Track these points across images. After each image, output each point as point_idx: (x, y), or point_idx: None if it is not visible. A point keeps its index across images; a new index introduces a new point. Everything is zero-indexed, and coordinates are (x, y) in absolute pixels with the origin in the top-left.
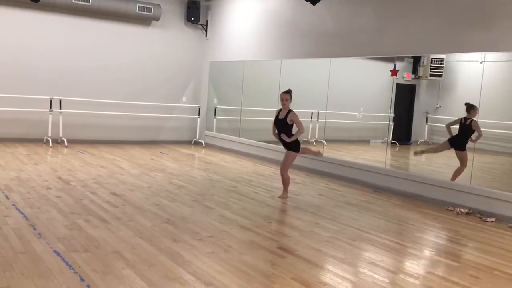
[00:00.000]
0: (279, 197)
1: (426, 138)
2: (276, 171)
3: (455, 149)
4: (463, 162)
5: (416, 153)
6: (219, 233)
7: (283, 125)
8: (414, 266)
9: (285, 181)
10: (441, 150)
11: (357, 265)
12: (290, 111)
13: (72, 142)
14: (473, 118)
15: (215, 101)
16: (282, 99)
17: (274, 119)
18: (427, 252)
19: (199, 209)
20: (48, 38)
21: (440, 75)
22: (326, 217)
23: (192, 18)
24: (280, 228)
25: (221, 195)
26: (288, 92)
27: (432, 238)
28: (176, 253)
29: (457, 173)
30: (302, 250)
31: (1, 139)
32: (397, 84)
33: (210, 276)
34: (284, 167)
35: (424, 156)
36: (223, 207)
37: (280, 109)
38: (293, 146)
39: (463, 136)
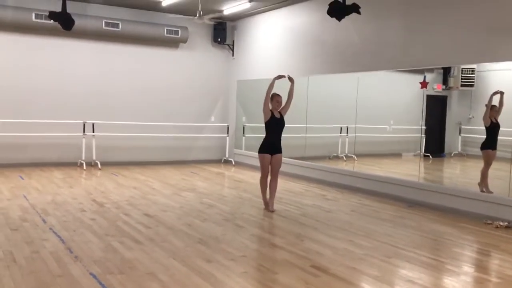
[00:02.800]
0: (270, 211)
1: (460, 150)
2: (306, 187)
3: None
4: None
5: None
6: (251, 252)
7: (283, 125)
8: (453, 283)
9: (275, 189)
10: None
11: (393, 283)
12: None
13: (105, 164)
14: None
15: (244, 119)
16: (278, 101)
17: (270, 122)
18: (466, 268)
19: (231, 228)
20: (80, 63)
21: (472, 85)
22: (359, 233)
23: (219, 39)
24: (313, 246)
25: (252, 214)
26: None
27: (470, 253)
28: (209, 274)
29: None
30: (336, 269)
31: (37, 164)
32: (428, 96)
33: None
34: (278, 172)
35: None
36: (254, 225)
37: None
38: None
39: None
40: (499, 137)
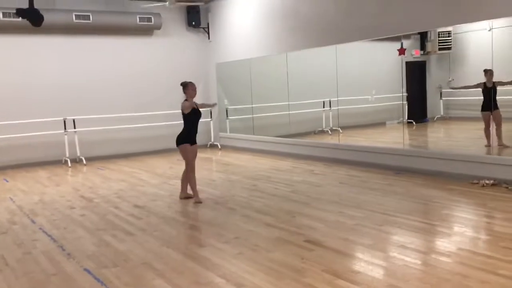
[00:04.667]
0: (196, 202)
1: (442, 113)
2: (294, 164)
3: (494, 110)
4: (500, 122)
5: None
6: (245, 233)
7: (199, 115)
8: (445, 244)
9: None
10: (489, 124)
11: (386, 249)
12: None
13: (90, 159)
14: (493, 80)
15: (226, 102)
16: (194, 89)
17: (190, 113)
18: (456, 229)
19: (222, 212)
20: (54, 60)
21: (449, 48)
22: (349, 205)
23: (193, 23)
24: (305, 221)
25: (242, 195)
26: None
27: (459, 214)
28: (204, 258)
29: (500, 133)
30: (329, 241)
31: (21, 165)
32: (407, 63)
33: (240, 277)
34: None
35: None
36: (246, 206)
37: (186, 100)
38: None
39: (493, 97)
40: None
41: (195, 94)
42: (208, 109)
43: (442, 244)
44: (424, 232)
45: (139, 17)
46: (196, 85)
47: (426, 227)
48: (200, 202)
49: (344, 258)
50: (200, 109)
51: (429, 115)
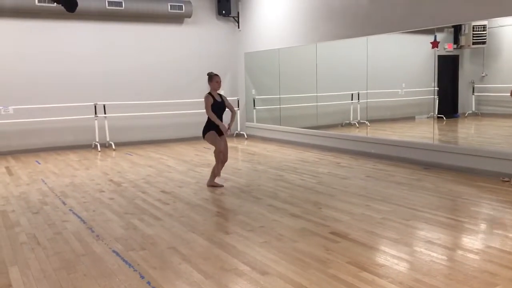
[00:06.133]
0: (218, 186)
1: (474, 109)
2: (320, 156)
3: None
4: None
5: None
6: (270, 223)
7: (223, 108)
8: (473, 242)
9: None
10: None
11: (412, 244)
12: (220, 94)
13: (119, 144)
14: None
15: (253, 91)
16: (218, 82)
17: (212, 104)
18: (485, 226)
19: (248, 200)
20: (86, 45)
21: (484, 42)
22: (376, 198)
23: (223, 11)
24: (331, 213)
25: (268, 185)
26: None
27: (489, 211)
28: (229, 245)
29: None
30: (355, 234)
31: (53, 148)
32: (439, 56)
33: (265, 265)
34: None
35: None
36: (271, 196)
37: (209, 93)
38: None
39: None
40: None
41: (219, 87)
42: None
43: (470, 241)
44: (452, 229)
45: (170, 5)
46: (224, 74)
47: (454, 224)
48: (210, 186)
49: (369, 251)
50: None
51: (460, 110)
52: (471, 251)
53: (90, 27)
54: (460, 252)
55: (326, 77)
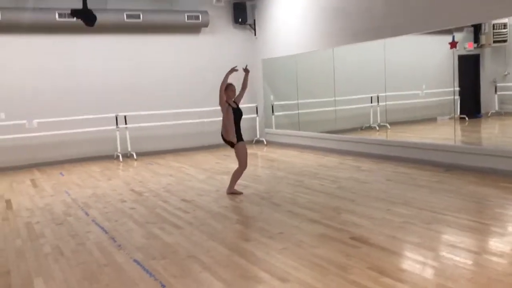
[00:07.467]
0: (237, 193)
1: (497, 108)
2: (340, 160)
3: None
4: None
5: None
6: (289, 229)
7: (241, 114)
8: (498, 244)
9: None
10: None
11: (435, 248)
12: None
13: (141, 154)
14: None
15: (272, 98)
16: (232, 90)
17: (232, 113)
18: (509, 228)
19: (267, 207)
20: (106, 58)
21: (505, 40)
22: (397, 202)
23: (240, 19)
24: (351, 218)
25: (288, 191)
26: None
27: None
28: (249, 252)
29: None
30: (375, 238)
31: (76, 159)
32: (459, 56)
33: (285, 272)
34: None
35: None
36: (291, 202)
37: (227, 102)
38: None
39: None
40: None
41: (234, 95)
42: (248, 79)
43: (494, 244)
44: (475, 231)
45: (187, 15)
46: (248, 83)
47: (477, 226)
48: (230, 193)
49: (390, 256)
50: (243, 90)
51: (483, 110)
52: (495, 254)
53: (109, 40)
54: (484, 255)
55: (344, 81)
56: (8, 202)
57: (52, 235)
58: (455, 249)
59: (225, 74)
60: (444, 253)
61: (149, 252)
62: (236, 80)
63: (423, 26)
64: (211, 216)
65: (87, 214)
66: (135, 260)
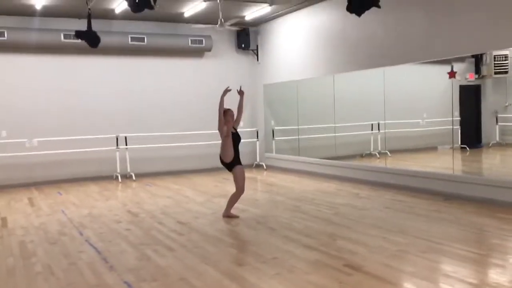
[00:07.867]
0: (234, 217)
1: (498, 139)
2: (339, 186)
3: None
4: None
5: None
6: (284, 254)
7: (239, 139)
8: (494, 276)
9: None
10: None
11: (430, 278)
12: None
13: (140, 175)
14: None
15: (272, 123)
16: (231, 116)
17: (232, 137)
18: (507, 260)
19: (263, 231)
20: (109, 79)
21: (506, 72)
22: (393, 230)
23: (243, 45)
24: (346, 245)
25: (285, 216)
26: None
27: (510, 243)
28: (241, 277)
29: None
30: (370, 266)
31: (75, 179)
32: (461, 86)
33: None
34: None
35: None
36: (287, 227)
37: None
38: None
39: None
40: None
41: (233, 120)
42: (243, 101)
43: (491, 275)
44: (471, 262)
45: (191, 39)
46: (244, 106)
47: (473, 257)
48: (226, 217)
49: (384, 285)
50: (240, 110)
51: (484, 140)
52: (491, 286)
53: (113, 62)
54: (479, 286)
55: (345, 107)
56: (4, 220)
57: (44, 254)
58: (450, 279)
59: (220, 97)
60: (439, 283)
61: (140, 274)
62: (231, 104)
63: (422, 56)
64: (205, 239)
65: (81, 234)
66: (125, 282)
